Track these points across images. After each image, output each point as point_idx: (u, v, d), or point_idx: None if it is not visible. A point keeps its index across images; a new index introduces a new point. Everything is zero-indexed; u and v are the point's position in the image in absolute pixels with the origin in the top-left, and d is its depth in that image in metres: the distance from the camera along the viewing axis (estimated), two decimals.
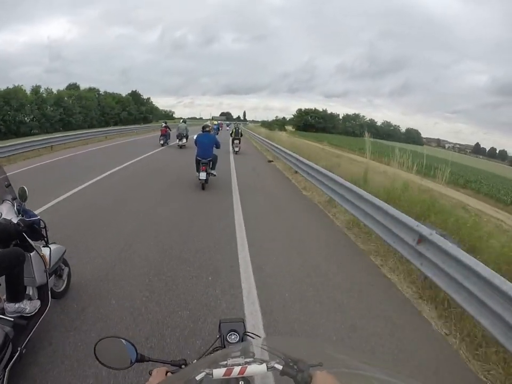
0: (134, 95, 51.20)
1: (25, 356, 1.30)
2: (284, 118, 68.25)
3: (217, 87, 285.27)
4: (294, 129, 64.32)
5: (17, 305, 1.42)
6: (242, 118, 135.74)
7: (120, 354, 0.59)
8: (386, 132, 76.69)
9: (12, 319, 1.37)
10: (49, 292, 1.61)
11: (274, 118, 74.35)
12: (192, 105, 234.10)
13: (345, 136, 59.23)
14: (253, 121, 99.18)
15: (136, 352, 0.60)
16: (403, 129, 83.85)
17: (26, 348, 1.31)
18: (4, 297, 1.45)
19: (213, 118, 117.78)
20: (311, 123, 66.44)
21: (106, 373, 1.29)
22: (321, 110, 72.80)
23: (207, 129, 5.33)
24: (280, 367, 0.44)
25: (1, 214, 1.44)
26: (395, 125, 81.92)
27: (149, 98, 56.55)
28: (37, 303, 1.51)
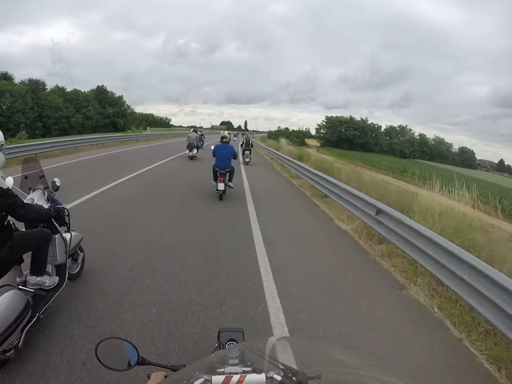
0: (100, 92, 44.58)
1: (42, 320, 1.90)
2: (306, 129, 65.74)
3: (218, 96, 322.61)
4: (319, 145, 60.35)
5: (38, 278, 2.05)
6: (243, 127, 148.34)
7: (121, 356, 0.73)
8: (438, 152, 74.07)
9: (33, 290, 2.02)
10: (67, 271, 2.27)
11: (277, 129, 74.38)
12: (193, 114, 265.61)
13: (392, 157, 54.44)
14: (254, 131, 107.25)
15: (138, 354, 0.73)
16: (455, 147, 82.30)
17: (43, 315, 1.91)
18: (26, 272, 2.09)
19: (213, 127, 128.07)
20: (346, 137, 60.44)
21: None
22: (359, 119, 65.96)
23: (225, 140, 6.28)
24: (279, 378, 0.52)
25: (34, 200, 2.13)
26: (447, 143, 80.00)
27: (121, 98, 48.77)
28: (56, 279, 2.16)
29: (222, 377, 0.53)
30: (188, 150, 12.29)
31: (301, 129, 64.03)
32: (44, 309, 1.96)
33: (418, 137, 74.22)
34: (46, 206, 2.13)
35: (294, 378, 0.53)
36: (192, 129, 14.07)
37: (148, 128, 36.00)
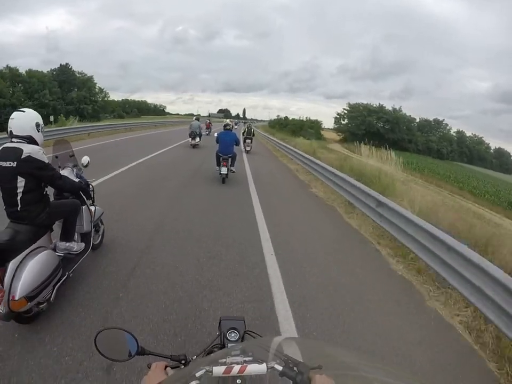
0: (63, 72, 40.08)
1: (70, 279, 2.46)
2: (316, 120, 58.42)
3: (217, 84, 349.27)
4: (338, 138, 54.56)
5: (67, 244, 2.61)
6: (242, 115, 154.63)
7: (120, 346, 0.83)
8: (477, 153, 69.02)
9: (62, 254, 2.57)
10: (92, 238, 2.88)
11: (276, 117, 71.57)
12: (191, 102, 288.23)
13: (427, 157, 49.02)
14: (253, 120, 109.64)
15: (137, 344, 0.82)
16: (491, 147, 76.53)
17: (73, 274, 2.49)
18: (54, 240, 2.62)
19: (210, 115, 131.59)
20: (376, 130, 52.49)
21: None
22: (390, 108, 58.55)
23: (228, 127, 7.61)
24: (280, 368, 0.60)
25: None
26: (486, 143, 74.44)
27: (90, 79, 44.10)
28: (82, 245, 2.75)
29: (223, 368, 0.61)
30: (190, 138, 13.58)
31: (301, 118, 59.26)
32: (72, 269, 2.51)
33: (455, 135, 68.83)
34: (75, 180, 2.73)
35: (295, 368, 0.61)
36: (194, 118, 15.23)
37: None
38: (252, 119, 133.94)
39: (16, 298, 1.91)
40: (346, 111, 60.57)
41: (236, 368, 0.61)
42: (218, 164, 7.20)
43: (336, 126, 61.59)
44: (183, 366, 0.87)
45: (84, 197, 2.82)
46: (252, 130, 14.52)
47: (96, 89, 47.14)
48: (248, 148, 14.01)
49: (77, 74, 43.59)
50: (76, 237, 2.75)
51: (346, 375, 0.64)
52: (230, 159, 7.22)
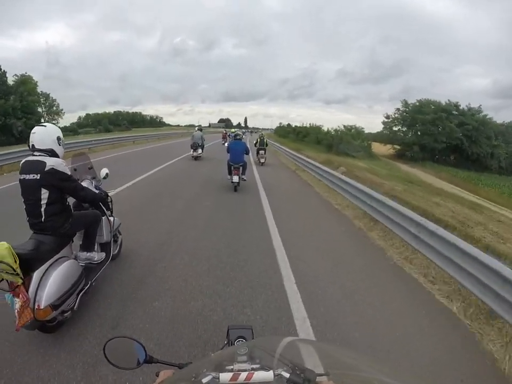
0: None
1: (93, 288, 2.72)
2: (360, 128, 44.63)
3: (216, 94, 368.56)
4: (393, 152, 44.16)
5: (88, 253, 2.89)
6: (243, 124, 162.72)
7: (129, 355, 0.91)
8: None
9: (83, 264, 2.83)
10: (112, 248, 3.16)
11: (278, 125, 70.87)
12: (192, 113, 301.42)
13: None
14: (254, 128, 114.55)
15: (145, 353, 0.91)
16: None
17: (95, 282, 2.75)
18: (75, 252, 2.87)
19: (210, 125, 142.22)
20: (455, 143, 39.37)
21: None
22: (465, 108, 42.05)
23: (238, 137, 9.04)
24: (287, 375, 0.64)
25: None
26: None
27: (28, 82, 35.31)
28: (103, 255, 3.03)
29: (230, 375, 0.65)
30: (192, 150, 13.93)
31: (304, 125, 48.94)
32: (95, 278, 2.78)
33: None
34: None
35: (302, 375, 0.64)
36: (196, 128, 15.67)
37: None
38: (253, 127, 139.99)
39: (42, 307, 2.11)
40: (400, 113, 46.22)
41: (243, 375, 0.65)
42: (230, 173, 8.10)
43: (387, 133, 48.61)
44: None
45: (104, 207, 3.16)
46: (265, 140, 14.67)
47: (38, 96, 38.29)
48: (262, 160, 14.19)
49: (12, 79, 34.75)
50: (96, 247, 3.04)
51: (353, 380, 0.68)
52: (241, 168, 8.14)
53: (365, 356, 1.88)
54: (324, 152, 26.00)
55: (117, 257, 3.62)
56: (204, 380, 0.65)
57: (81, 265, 2.75)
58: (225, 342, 1.20)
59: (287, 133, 56.97)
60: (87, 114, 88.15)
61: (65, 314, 2.41)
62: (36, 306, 2.10)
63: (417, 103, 45.27)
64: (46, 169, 2.31)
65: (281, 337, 0.88)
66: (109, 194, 3.28)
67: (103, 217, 3.12)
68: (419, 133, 43.69)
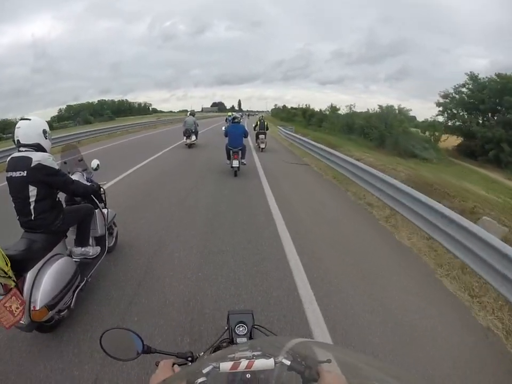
0: None
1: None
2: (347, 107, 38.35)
3: (209, 78, 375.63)
4: (456, 143, 30.67)
5: (83, 249, 2.92)
6: (237, 107, 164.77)
7: (126, 346, 0.95)
8: None
9: (78, 260, 2.87)
10: (107, 242, 3.20)
11: (274, 107, 68.78)
12: (185, 98, 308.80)
13: None
14: (249, 111, 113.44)
15: (143, 343, 0.95)
16: None
17: (90, 278, 2.79)
18: (69, 247, 2.90)
19: (203, 110, 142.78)
20: None
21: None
22: None
23: (236, 120, 8.84)
24: (288, 362, 0.67)
25: None
26: None
27: None
28: (98, 249, 3.06)
29: (230, 364, 0.67)
30: (184, 137, 13.55)
31: (300, 106, 49.09)
32: (90, 274, 2.82)
33: None
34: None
35: (303, 362, 0.68)
36: (189, 113, 15.01)
37: None
38: (247, 110, 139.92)
39: (37, 308, 2.14)
40: (472, 92, 32.42)
41: (244, 363, 0.67)
42: (229, 157, 8.31)
43: (445, 120, 34.89)
44: (190, 363, 0.98)
45: (96, 200, 3.18)
46: (265, 123, 14.16)
47: None
48: (262, 145, 13.61)
49: None
50: (91, 241, 3.08)
51: (355, 370, 0.71)
52: (240, 152, 8.29)
53: (371, 358, 1.95)
54: (375, 150, 20.17)
55: (113, 250, 3.71)
56: (204, 370, 0.67)
57: (76, 261, 2.79)
58: (226, 328, 1.24)
59: (292, 115, 49.68)
60: (68, 106, 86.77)
61: (62, 313, 2.47)
62: (32, 308, 2.13)
63: (496, 78, 30.83)
64: (32, 165, 2.32)
65: (283, 336, 1.00)
66: (102, 186, 3.30)
67: (96, 210, 3.17)
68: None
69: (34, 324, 2.18)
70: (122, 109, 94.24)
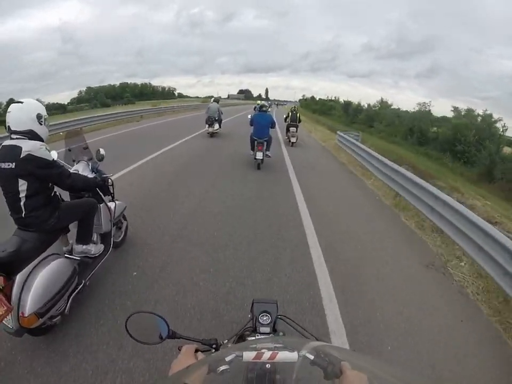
0: None
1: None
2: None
3: (236, 66, 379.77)
4: None
5: (84, 246, 2.70)
6: (264, 96, 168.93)
7: (151, 330, 0.96)
8: None
9: (79, 258, 2.66)
10: (112, 239, 2.99)
11: (302, 97, 65.11)
12: (212, 85, 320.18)
13: None
14: (275, 100, 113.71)
15: (168, 328, 0.96)
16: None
17: (89, 281, 2.57)
18: (72, 241, 2.73)
19: (229, 97, 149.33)
20: None
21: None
22: None
23: (264, 109, 8.44)
24: (311, 356, 0.67)
25: (79, 171, 2.78)
26: None
27: None
28: (101, 247, 2.85)
29: (253, 353, 0.68)
30: (207, 125, 12.97)
31: (330, 98, 46.62)
32: (89, 276, 2.63)
33: None
34: (90, 176, 2.85)
35: (326, 358, 0.69)
36: (212, 99, 14.13)
37: None
38: (274, 99, 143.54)
39: (26, 314, 1.98)
40: None
41: (267, 354, 0.68)
42: (253, 148, 8.11)
43: None
44: (213, 350, 0.99)
45: (101, 193, 2.98)
46: (298, 115, 13.02)
47: None
48: (293, 139, 12.42)
49: None
50: (95, 237, 2.92)
51: (377, 371, 0.71)
52: (265, 143, 8.03)
53: (391, 365, 1.74)
54: (479, 183, 15.58)
55: (122, 245, 3.54)
56: (227, 358, 0.69)
57: (76, 259, 2.64)
58: (249, 317, 1.28)
59: (328, 108, 42.45)
60: (88, 88, 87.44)
61: (55, 319, 2.29)
62: (20, 314, 1.96)
63: None
64: (22, 155, 2.08)
65: (306, 339, 0.99)
66: (110, 177, 3.07)
67: (100, 205, 2.93)
68: None
69: (23, 330, 2.02)
70: (145, 93, 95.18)
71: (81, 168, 2.86)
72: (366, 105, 38.50)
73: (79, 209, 2.65)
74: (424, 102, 30.50)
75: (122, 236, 3.58)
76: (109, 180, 3.06)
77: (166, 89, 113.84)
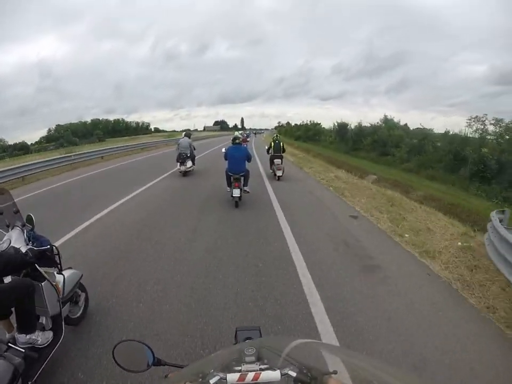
0: None
1: None
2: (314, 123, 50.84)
3: (212, 98, 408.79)
4: None
5: (28, 336, 2.25)
6: (239, 126, 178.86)
7: (137, 357, 1.04)
8: None
9: (23, 350, 2.18)
10: (63, 322, 2.50)
11: (277, 124, 68.13)
12: (188, 117, 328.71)
13: None
14: (251, 129, 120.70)
15: (153, 355, 1.04)
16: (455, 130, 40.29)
17: (36, 382, 2.14)
18: (13, 333, 2.29)
19: (205, 129, 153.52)
20: None
21: None
22: None
23: (237, 141, 8.00)
24: (294, 374, 0.73)
25: (10, 242, 2.31)
26: None
27: None
28: (50, 334, 2.38)
29: (237, 375, 0.74)
30: (178, 163, 11.74)
31: (304, 123, 50.99)
32: (37, 374, 2.16)
33: None
34: (24, 248, 2.32)
35: (309, 374, 0.73)
36: (183, 134, 12.78)
37: None
38: (250, 128, 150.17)
39: None
40: None
41: (250, 375, 0.73)
42: (229, 185, 7.80)
43: None
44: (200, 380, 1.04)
45: (40, 269, 2.43)
46: (281, 144, 12.04)
47: None
48: (279, 173, 11.42)
49: None
50: (43, 320, 2.48)
51: (361, 380, 0.76)
52: (242, 178, 7.75)
53: (373, 358, 2.04)
54: None
55: (82, 321, 3.06)
56: (212, 381, 0.73)
57: (21, 351, 2.14)
58: (234, 343, 1.28)
59: (313, 134, 37.22)
60: (58, 126, 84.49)
61: None
62: None
63: None
64: None
65: (288, 337, 1.13)
66: (54, 244, 2.58)
67: (42, 284, 2.39)
68: None
69: None
70: (118, 129, 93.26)
71: (15, 237, 2.36)
72: (368, 125, 32.92)
73: (10, 295, 2.13)
74: (477, 119, 23.20)
75: (81, 311, 3.08)
76: (53, 249, 2.56)
77: (140, 124, 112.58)
